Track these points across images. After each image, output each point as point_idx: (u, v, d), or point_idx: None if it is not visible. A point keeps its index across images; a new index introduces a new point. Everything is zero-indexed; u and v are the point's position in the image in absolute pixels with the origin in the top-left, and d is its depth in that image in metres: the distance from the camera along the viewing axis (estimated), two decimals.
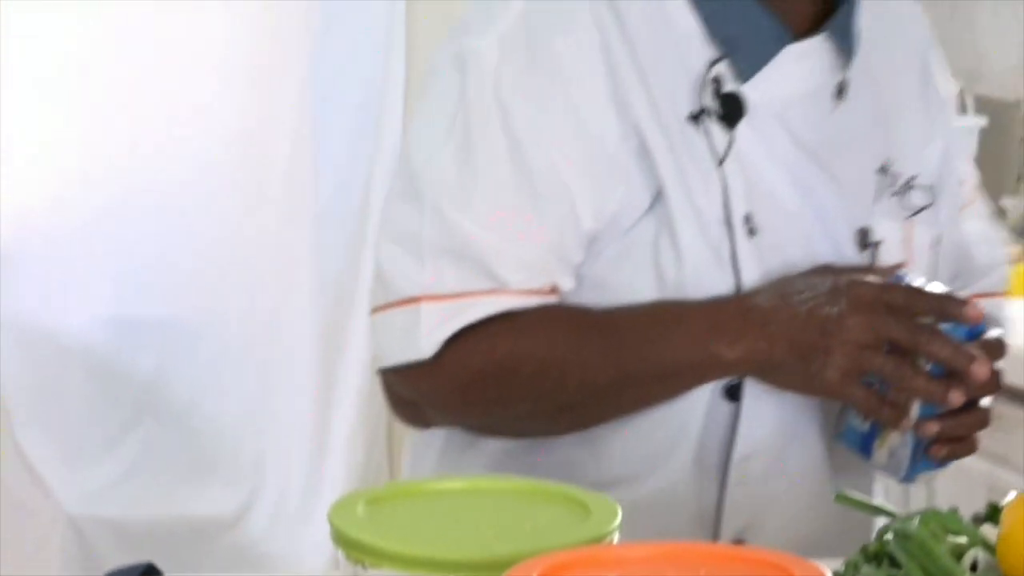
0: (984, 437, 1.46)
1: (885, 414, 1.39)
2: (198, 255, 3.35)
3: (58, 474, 3.26)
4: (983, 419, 1.40)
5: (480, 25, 1.47)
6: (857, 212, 1.52)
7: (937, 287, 1.43)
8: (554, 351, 1.45)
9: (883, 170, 1.54)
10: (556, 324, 1.47)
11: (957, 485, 2.29)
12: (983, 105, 3.40)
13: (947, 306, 1.39)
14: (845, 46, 1.51)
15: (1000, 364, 1.40)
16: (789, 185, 1.49)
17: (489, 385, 1.46)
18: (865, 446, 1.48)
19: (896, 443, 1.45)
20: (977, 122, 3.27)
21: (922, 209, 1.56)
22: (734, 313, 1.42)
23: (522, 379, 1.45)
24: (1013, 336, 1.63)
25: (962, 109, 3.33)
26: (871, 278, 1.42)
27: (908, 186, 1.56)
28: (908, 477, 1.47)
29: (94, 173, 3.31)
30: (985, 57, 3.46)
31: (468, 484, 1.20)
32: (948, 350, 1.36)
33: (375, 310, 1.47)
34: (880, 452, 1.47)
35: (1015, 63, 3.37)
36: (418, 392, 1.48)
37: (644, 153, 1.44)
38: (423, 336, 1.43)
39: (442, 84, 1.47)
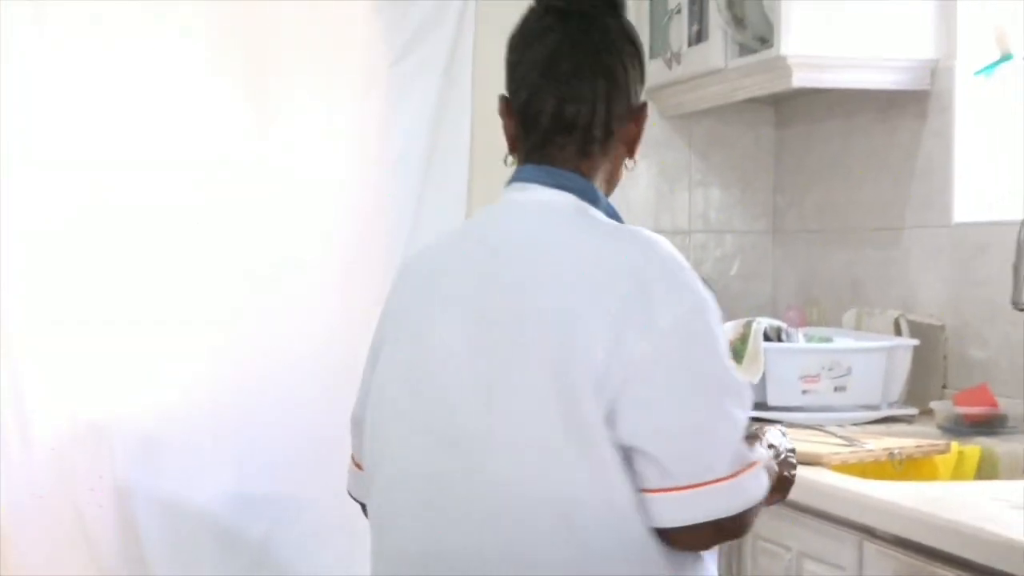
0: None
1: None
2: (298, 441, 3.61)
3: None
4: None
5: (692, 285, 1.89)
6: None
7: None
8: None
9: None
10: None
11: None
12: (915, 329, 3.52)
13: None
14: None
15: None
16: None
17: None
18: None
19: None
20: (910, 342, 3.43)
21: None
22: (773, 459, 2.07)
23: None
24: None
25: (898, 331, 3.54)
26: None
27: None
28: None
29: (221, 382, 3.63)
30: (916, 291, 3.66)
31: None
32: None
33: (736, 474, 1.86)
34: None
35: (940, 296, 3.56)
36: (749, 521, 1.90)
37: None
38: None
39: (712, 326, 1.88)
